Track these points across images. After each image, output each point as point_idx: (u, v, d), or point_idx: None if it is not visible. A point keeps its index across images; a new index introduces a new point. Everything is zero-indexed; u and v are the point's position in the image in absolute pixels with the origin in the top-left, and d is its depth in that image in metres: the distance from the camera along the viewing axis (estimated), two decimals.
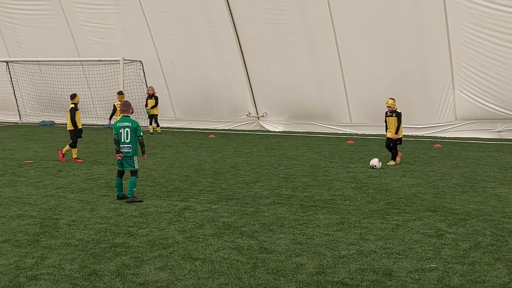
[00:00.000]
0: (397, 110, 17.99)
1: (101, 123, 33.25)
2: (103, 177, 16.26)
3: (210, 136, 27.07)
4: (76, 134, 19.64)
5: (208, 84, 30.35)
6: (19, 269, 8.50)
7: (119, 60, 30.64)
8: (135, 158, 13.09)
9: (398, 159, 18.40)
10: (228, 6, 28.26)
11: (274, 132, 29.31)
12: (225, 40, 29.09)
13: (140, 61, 31.47)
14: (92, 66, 32.82)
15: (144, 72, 31.53)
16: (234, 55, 29.26)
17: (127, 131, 12.95)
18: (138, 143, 13.11)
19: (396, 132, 17.94)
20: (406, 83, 26.16)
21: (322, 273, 8.29)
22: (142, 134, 13.18)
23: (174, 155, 20.78)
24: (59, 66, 33.51)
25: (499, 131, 25.51)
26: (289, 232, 10.37)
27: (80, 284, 7.92)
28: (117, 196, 13.32)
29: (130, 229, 10.67)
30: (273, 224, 10.96)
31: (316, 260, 8.85)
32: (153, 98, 28.33)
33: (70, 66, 33.36)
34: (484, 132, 25.74)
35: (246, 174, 16.70)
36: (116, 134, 13.00)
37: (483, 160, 19.24)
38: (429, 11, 24.57)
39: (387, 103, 18.04)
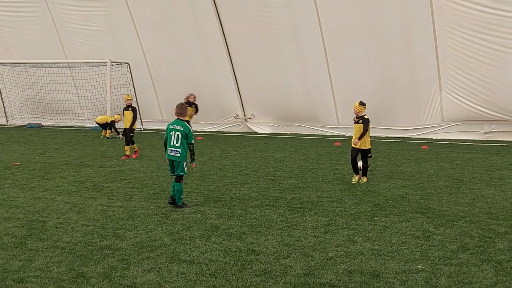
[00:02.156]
0: (364, 116, 15.45)
1: (88, 125, 33.15)
2: (90, 179, 16.21)
3: (198, 138, 27.04)
4: (126, 132, 20.88)
5: (195, 86, 30.25)
6: (6, 271, 8.46)
7: (106, 62, 30.55)
8: (184, 163, 12.56)
9: (365, 179, 15.64)
10: (216, 8, 28.24)
11: (262, 134, 29.31)
12: (212, 42, 29.06)
13: (128, 63, 31.37)
14: (79, 68, 32.70)
15: (131, 74, 31.45)
16: (222, 57, 29.24)
17: (178, 135, 12.51)
18: (188, 150, 12.67)
19: (359, 138, 15.40)
20: (393, 85, 26.24)
21: (310, 274, 8.30)
22: (193, 142, 12.68)
23: (162, 157, 20.72)
24: (46, 68, 33.38)
25: (485, 133, 25.62)
26: (276, 234, 10.38)
27: (67, 286, 7.90)
28: (170, 197, 12.84)
29: (117, 231, 10.64)
30: (261, 226, 10.97)
31: (304, 261, 8.86)
32: (192, 106, 25.09)
33: (57, 68, 33.20)
34: (471, 133, 25.84)
35: (234, 176, 16.69)
36: (166, 137, 12.66)
37: (470, 161, 19.32)
38: (416, 13, 24.64)
39: (354, 107, 15.65)
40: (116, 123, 28.97)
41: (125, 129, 21.00)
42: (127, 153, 20.79)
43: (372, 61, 26.26)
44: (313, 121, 28.75)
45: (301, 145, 24.41)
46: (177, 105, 13.09)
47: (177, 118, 12.79)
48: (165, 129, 12.84)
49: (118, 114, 29.42)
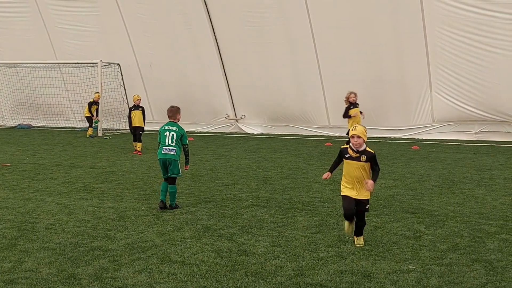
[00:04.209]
0: (367, 148, 9.66)
1: (79, 126, 33.08)
2: (81, 180, 16.16)
3: (189, 139, 26.91)
4: (132, 131, 22.44)
5: (186, 87, 30.29)
6: None
7: (96, 63, 30.49)
8: (179, 164, 12.45)
9: (361, 240, 9.75)
10: (207, 8, 28.24)
11: (253, 134, 29.31)
12: (203, 42, 29.05)
13: (118, 64, 31.34)
14: (69, 68, 32.63)
15: (122, 75, 31.42)
16: (213, 58, 29.24)
17: (173, 135, 12.41)
18: (183, 150, 12.54)
19: (374, 180, 9.54)
20: (384, 86, 26.30)
21: (301, 275, 8.30)
22: (187, 143, 12.63)
23: (153, 158, 20.70)
24: (36, 69, 33.29)
25: (476, 133, 25.72)
26: (268, 235, 10.38)
27: None
28: (161, 201, 12.50)
29: (108, 232, 10.61)
30: (252, 226, 10.96)
31: (295, 262, 8.86)
32: (357, 106, 20.30)
33: (47, 69, 33.13)
34: (461, 134, 25.94)
35: (225, 176, 16.68)
36: (159, 141, 12.50)
37: (460, 161, 19.37)
38: (407, 13, 24.71)
39: (354, 130, 9.58)
40: (96, 103, 29.01)
41: (134, 127, 22.15)
42: (138, 148, 22.22)
43: (363, 61, 26.32)
44: (304, 122, 28.78)
45: (292, 145, 24.43)
46: (168, 108, 13.01)
47: (170, 121, 12.73)
48: (158, 131, 12.75)
49: (97, 93, 29.38)
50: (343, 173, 9.90)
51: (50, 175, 17.09)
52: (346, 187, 9.80)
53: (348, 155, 9.73)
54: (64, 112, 33.99)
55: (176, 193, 12.75)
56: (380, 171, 9.78)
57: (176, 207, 12.55)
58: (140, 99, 22.68)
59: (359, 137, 9.51)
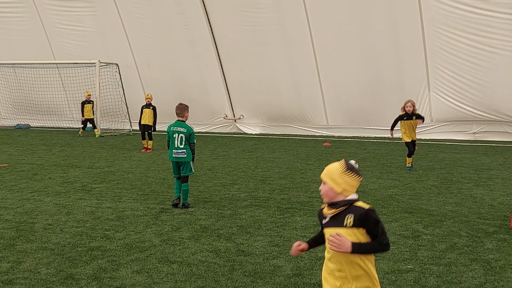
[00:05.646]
0: (357, 204, 5.54)
1: (77, 126, 33.06)
2: (79, 180, 16.15)
3: None
4: (140, 128, 23.42)
5: (184, 87, 30.26)
6: None
7: (95, 63, 30.47)
8: (191, 163, 12.58)
9: None
10: (205, 8, 28.22)
11: (251, 134, 29.30)
12: (201, 42, 29.03)
13: (116, 64, 31.30)
14: (67, 68, 32.61)
15: (120, 75, 31.39)
16: (211, 58, 29.22)
17: (181, 137, 12.44)
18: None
19: (364, 248, 5.06)
20: (382, 85, 26.29)
21: (300, 275, 8.30)
22: (195, 142, 12.67)
23: (151, 158, 20.72)
24: (34, 69, 33.27)
25: (474, 133, 25.72)
26: (266, 235, 10.38)
27: None
28: (177, 198, 12.67)
29: (106, 232, 10.61)
30: (250, 226, 10.96)
31: (294, 262, 8.86)
32: (412, 117, 17.61)
33: (45, 69, 33.11)
34: (460, 133, 25.94)
35: (223, 176, 16.68)
36: (168, 140, 12.61)
37: (458, 161, 19.38)
38: (405, 13, 24.71)
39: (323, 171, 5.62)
40: (89, 99, 29.09)
41: (143, 125, 22.98)
42: (145, 145, 23.07)
43: (361, 61, 26.31)
44: (302, 122, 28.78)
45: (290, 145, 24.43)
46: (177, 105, 13.07)
47: (178, 120, 12.76)
48: (166, 130, 12.82)
49: (87, 91, 29.49)
50: (326, 256, 5.42)
51: (48, 175, 17.08)
52: (330, 280, 5.25)
53: (326, 219, 5.46)
54: (62, 112, 33.97)
55: (189, 191, 12.85)
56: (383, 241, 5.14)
57: (188, 206, 12.62)
58: (149, 98, 23.36)
59: (325, 183, 5.48)
